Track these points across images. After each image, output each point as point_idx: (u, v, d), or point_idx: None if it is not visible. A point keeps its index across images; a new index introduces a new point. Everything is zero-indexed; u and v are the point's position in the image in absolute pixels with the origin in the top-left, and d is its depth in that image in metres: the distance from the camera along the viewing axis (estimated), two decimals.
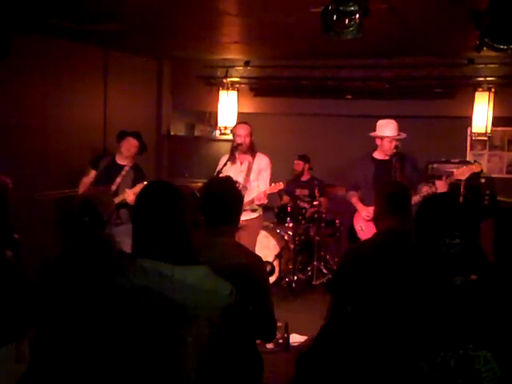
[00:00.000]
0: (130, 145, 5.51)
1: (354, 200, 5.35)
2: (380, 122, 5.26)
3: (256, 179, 5.39)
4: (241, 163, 5.42)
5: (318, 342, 2.83)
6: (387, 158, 5.20)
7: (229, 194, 2.64)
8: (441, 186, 4.90)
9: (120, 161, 5.54)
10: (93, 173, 5.56)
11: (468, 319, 1.90)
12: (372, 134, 5.28)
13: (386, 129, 5.20)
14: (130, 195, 5.20)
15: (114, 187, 5.38)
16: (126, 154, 5.50)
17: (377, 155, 5.30)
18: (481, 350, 1.86)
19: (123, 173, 5.48)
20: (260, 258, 2.69)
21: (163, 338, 1.72)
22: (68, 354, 2.26)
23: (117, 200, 5.09)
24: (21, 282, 2.98)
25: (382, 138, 5.20)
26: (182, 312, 1.72)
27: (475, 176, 6.19)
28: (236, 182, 2.83)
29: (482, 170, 5.84)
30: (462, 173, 4.97)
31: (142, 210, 1.87)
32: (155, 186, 1.95)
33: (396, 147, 5.21)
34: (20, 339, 2.79)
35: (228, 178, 2.83)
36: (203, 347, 1.71)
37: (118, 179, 5.45)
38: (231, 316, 1.79)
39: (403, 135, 5.20)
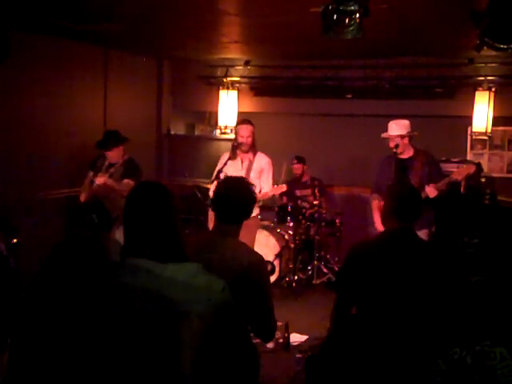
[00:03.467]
0: (110, 156, 5.56)
1: (374, 206, 5.22)
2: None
3: (256, 178, 5.40)
4: (241, 161, 5.43)
5: (327, 345, 2.83)
6: (408, 156, 5.21)
7: (245, 194, 2.71)
8: (430, 192, 4.94)
9: (111, 160, 5.60)
10: (91, 174, 5.63)
11: (484, 316, 1.90)
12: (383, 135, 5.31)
13: (388, 129, 5.24)
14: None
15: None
16: (113, 161, 5.58)
17: (398, 154, 5.25)
18: (497, 346, 1.86)
19: (116, 167, 5.55)
20: (262, 257, 2.70)
21: (156, 336, 1.72)
22: (57, 358, 2.24)
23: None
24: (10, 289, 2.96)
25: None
26: (173, 309, 1.73)
27: (475, 176, 6.22)
28: (252, 185, 2.87)
29: (480, 170, 5.89)
30: (459, 173, 5.03)
31: (133, 210, 1.89)
32: (145, 186, 1.97)
33: (396, 146, 5.19)
34: (3, 350, 2.76)
35: (245, 179, 2.88)
36: (197, 344, 1.72)
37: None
38: (224, 313, 1.79)
39: (399, 134, 5.17)
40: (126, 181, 5.37)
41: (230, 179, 2.95)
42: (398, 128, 5.18)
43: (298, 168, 7.13)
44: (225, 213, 2.66)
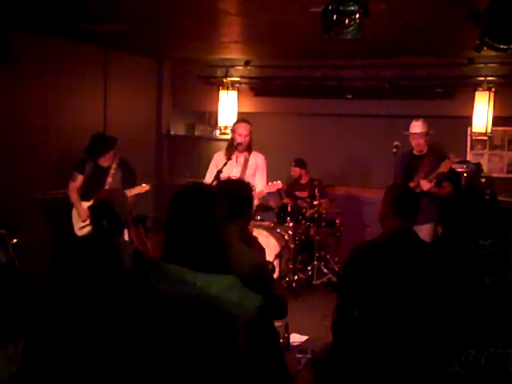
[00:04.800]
0: (104, 160, 5.54)
1: None
2: None
3: (252, 174, 5.40)
4: (236, 158, 5.43)
5: (335, 349, 2.83)
6: (419, 153, 5.57)
7: (243, 189, 2.75)
8: (423, 185, 5.28)
9: (104, 164, 5.56)
10: (80, 177, 5.59)
11: (498, 317, 1.90)
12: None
13: (412, 128, 5.62)
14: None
15: (106, 188, 5.41)
16: (106, 164, 5.56)
17: (414, 151, 5.66)
18: (511, 348, 1.85)
19: (112, 171, 5.52)
20: (261, 258, 2.70)
21: (179, 349, 1.63)
22: (72, 357, 2.24)
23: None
24: (15, 282, 2.98)
25: None
26: (201, 322, 1.62)
27: (474, 176, 6.33)
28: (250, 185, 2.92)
29: (480, 170, 6.17)
30: (444, 166, 5.32)
31: (175, 214, 1.76)
32: (191, 189, 1.82)
33: (396, 146, 5.66)
34: (18, 340, 2.78)
35: (242, 180, 2.93)
36: (225, 361, 1.62)
37: (109, 179, 5.50)
38: (256, 332, 1.67)
39: (421, 131, 5.55)
40: (127, 191, 5.37)
41: (227, 180, 2.99)
42: (420, 125, 5.55)
43: (294, 171, 7.14)
44: None
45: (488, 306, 1.93)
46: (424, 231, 5.12)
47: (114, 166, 5.56)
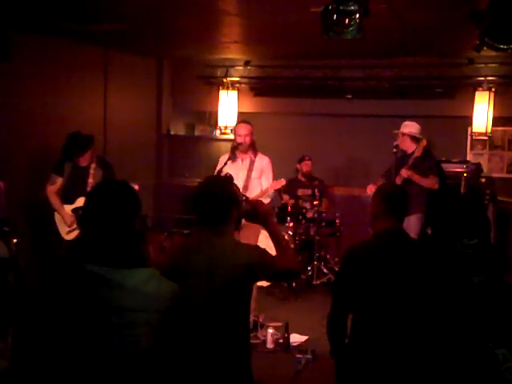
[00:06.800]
0: (83, 160, 5.32)
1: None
2: None
3: (258, 177, 5.40)
4: (242, 160, 5.42)
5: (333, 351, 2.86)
6: (408, 152, 5.64)
7: (221, 193, 2.58)
8: (404, 173, 5.40)
9: (83, 164, 5.35)
10: (59, 180, 5.36)
11: (487, 318, 1.90)
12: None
13: None
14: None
15: (89, 189, 5.17)
16: (85, 164, 5.35)
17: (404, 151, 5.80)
18: (499, 348, 1.86)
19: (91, 171, 5.33)
20: (256, 249, 2.65)
21: (99, 344, 1.69)
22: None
23: None
24: (17, 278, 2.97)
25: None
26: (119, 316, 1.69)
27: (474, 175, 6.35)
28: (232, 179, 2.81)
29: (480, 170, 6.22)
30: (417, 150, 5.49)
31: (91, 210, 1.82)
32: (107, 185, 1.92)
33: (396, 147, 5.64)
34: (5, 335, 2.77)
35: (223, 177, 2.80)
36: (142, 350, 1.71)
37: (90, 180, 5.30)
38: (173, 318, 1.78)
39: (401, 131, 5.64)
40: None
41: (208, 178, 2.84)
42: (404, 126, 5.66)
43: (307, 165, 7.13)
44: (204, 214, 2.58)
45: (476, 306, 1.93)
46: (411, 222, 5.22)
47: (93, 165, 5.34)
